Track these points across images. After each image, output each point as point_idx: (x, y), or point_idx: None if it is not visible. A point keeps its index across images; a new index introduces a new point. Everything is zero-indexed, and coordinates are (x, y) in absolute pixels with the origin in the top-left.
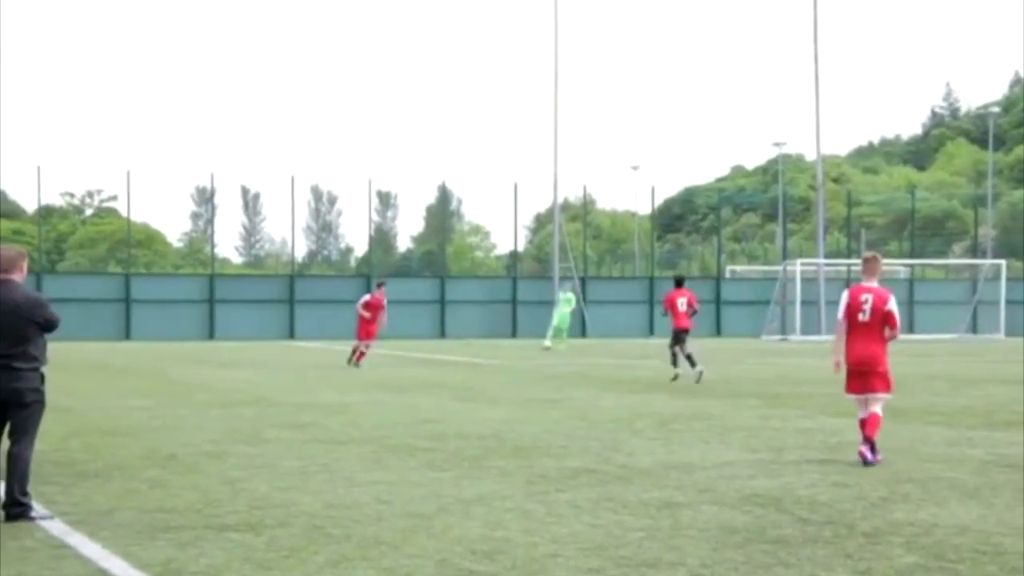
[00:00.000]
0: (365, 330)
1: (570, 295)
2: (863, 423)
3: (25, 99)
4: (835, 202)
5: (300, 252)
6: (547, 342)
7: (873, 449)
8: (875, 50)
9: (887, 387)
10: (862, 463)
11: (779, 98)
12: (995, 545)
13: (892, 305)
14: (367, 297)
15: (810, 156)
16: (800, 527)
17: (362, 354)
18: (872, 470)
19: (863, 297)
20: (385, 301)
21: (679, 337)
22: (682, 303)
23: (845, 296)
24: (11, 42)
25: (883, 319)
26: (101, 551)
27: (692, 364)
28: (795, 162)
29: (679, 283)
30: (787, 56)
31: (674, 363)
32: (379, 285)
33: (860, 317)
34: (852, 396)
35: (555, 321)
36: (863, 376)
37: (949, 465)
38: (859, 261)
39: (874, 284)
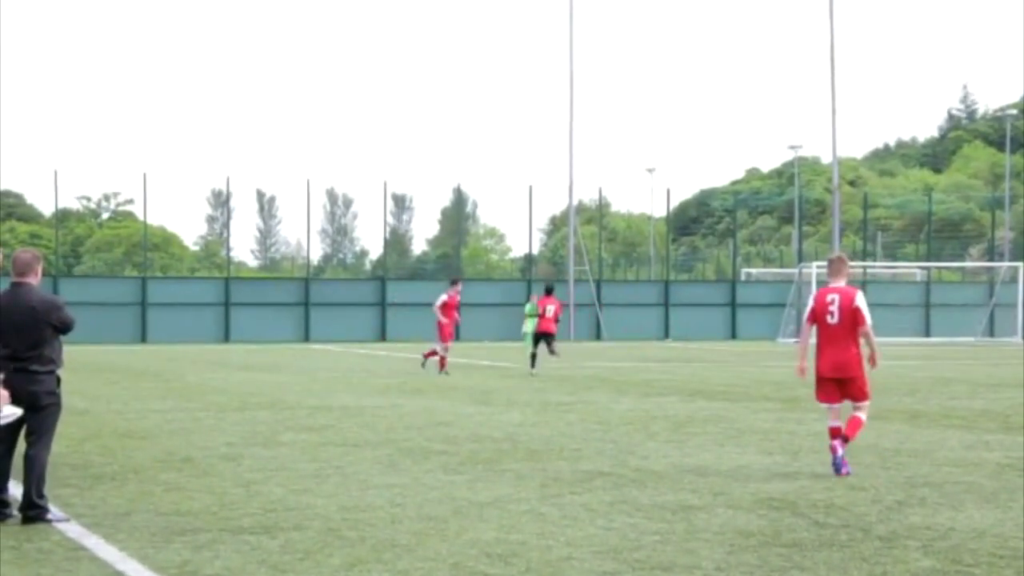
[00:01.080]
0: (446, 331)
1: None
2: (834, 429)
3: (42, 104)
4: (851, 205)
5: (315, 255)
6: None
7: (845, 440)
8: (892, 52)
9: (866, 395)
10: (834, 465)
11: (795, 100)
12: (1012, 549)
13: (860, 301)
14: (444, 297)
15: (826, 159)
16: (815, 531)
17: (444, 359)
18: (889, 473)
19: (829, 298)
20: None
21: (544, 338)
22: (550, 309)
23: (811, 300)
24: (29, 47)
25: (853, 318)
26: (117, 553)
27: (552, 352)
28: (811, 165)
29: (549, 291)
30: (803, 58)
31: (533, 362)
32: (454, 283)
33: (828, 320)
34: (825, 404)
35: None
36: (840, 384)
37: (966, 469)
38: (877, 264)
39: (841, 284)
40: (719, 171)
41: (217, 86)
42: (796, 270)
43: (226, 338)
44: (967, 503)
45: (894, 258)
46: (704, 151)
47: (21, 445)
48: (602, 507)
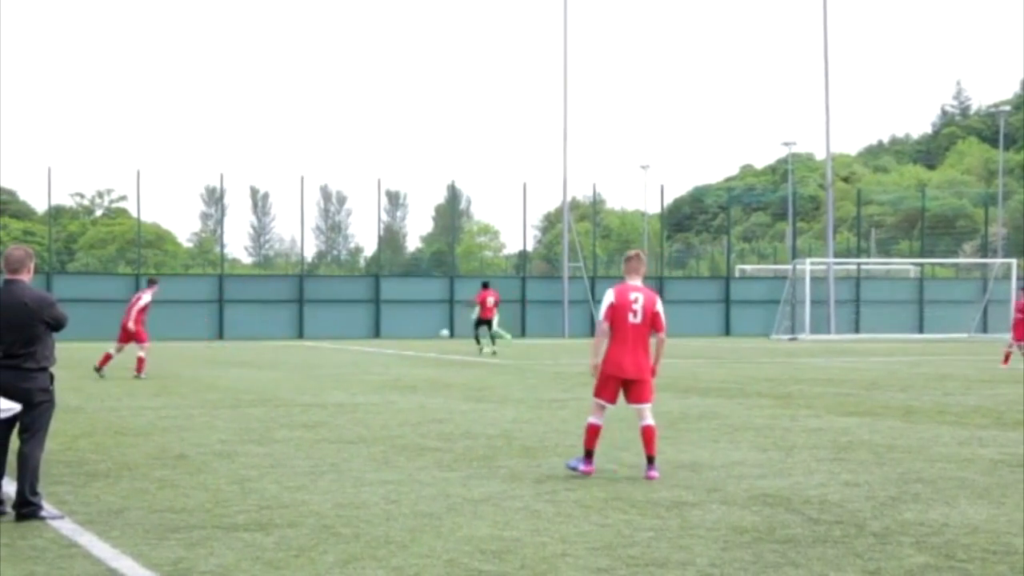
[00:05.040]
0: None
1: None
2: (598, 428)
3: (35, 100)
4: (845, 201)
5: (309, 252)
6: (493, 348)
7: (652, 460)
8: (885, 49)
9: (652, 395)
10: (572, 466)
11: (789, 97)
12: (1005, 545)
13: (660, 307)
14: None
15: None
16: (810, 527)
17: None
18: (883, 469)
19: (632, 296)
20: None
21: (486, 323)
22: (491, 300)
23: (610, 296)
24: (21, 44)
25: (653, 321)
26: (111, 550)
27: (492, 341)
28: (805, 161)
29: (486, 285)
30: (797, 55)
31: (478, 342)
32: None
33: (631, 319)
34: (603, 402)
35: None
36: (630, 384)
37: (960, 465)
38: (870, 260)
39: (639, 283)
40: (713, 168)
41: (211, 83)
42: (790, 266)
43: (220, 335)
44: (961, 499)
45: (888, 254)
46: (698, 147)
47: (15, 442)
48: (596, 503)
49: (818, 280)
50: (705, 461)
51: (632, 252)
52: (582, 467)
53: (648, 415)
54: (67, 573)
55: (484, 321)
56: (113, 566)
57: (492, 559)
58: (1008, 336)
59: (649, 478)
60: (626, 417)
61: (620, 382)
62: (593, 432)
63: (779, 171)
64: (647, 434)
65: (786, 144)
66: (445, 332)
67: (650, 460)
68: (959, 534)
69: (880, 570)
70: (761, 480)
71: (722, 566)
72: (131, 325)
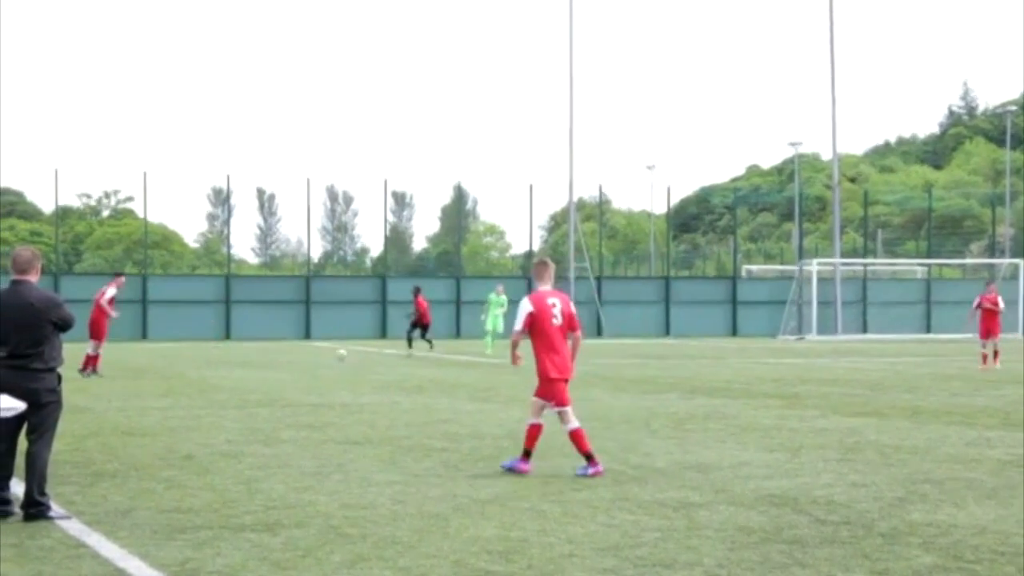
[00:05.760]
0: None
1: (502, 297)
2: (539, 427)
3: (42, 102)
4: (851, 201)
5: (316, 253)
6: (488, 349)
7: (590, 457)
8: (892, 49)
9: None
10: (585, 473)
11: (795, 97)
12: (1014, 546)
13: (574, 307)
14: (112, 291)
15: (826, 155)
16: (817, 527)
17: None
18: (890, 470)
19: (551, 301)
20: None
21: (425, 328)
22: (428, 306)
23: (528, 305)
24: (28, 45)
25: (570, 322)
26: (119, 551)
27: (431, 345)
28: (811, 161)
29: (419, 290)
30: (803, 55)
31: (410, 345)
32: (117, 275)
33: (554, 322)
34: (544, 403)
35: (488, 325)
36: (564, 385)
37: (967, 465)
38: (877, 261)
39: (551, 288)
40: (719, 168)
41: (217, 84)
42: (797, 267)
43: (227, 335)
44: (968, 500)
45: (894, 255)
46: (704, 148)
47: (22, 443)
48: (603, 504)
49: (825, 280)
50: (712, 462)
51: (541, 259)
52: (521, 467)
53: (572, 419)
54: (75, 573)
55: (427, 325)
56: (121, 566)
57: (499, 559)
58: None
59: (596, 474)
60: (633, 417)
61: (560, 382)
62: (536, 432)
63: (785, 171)
64: (577, 435)
65: (792, 144)
66: (343, 352)
67: (589, 457)
68: (967, 535)
69: (888, 571)
70: (768, 480)
71: (729, 567)
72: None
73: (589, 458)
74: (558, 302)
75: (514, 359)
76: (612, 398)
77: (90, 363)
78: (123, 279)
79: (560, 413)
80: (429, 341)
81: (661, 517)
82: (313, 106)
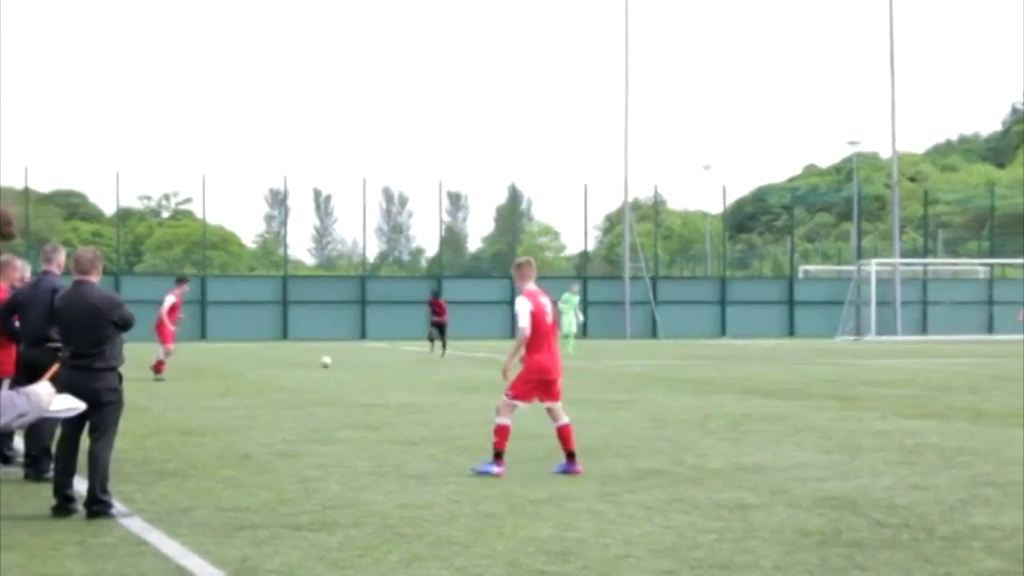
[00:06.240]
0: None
1: (576, 297)
2: (508, 428)
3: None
4: (911, 201)
5: (371, 253)
6: (571, 350)
7: (572, 456)
8: (953, 45)
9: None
10: (564, 471)
11: (854, 95)
12: None
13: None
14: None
15: (885, 154)
16: (876, 530)
17: None
18: (951, 472)
19: (543, 300)
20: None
21: (441, 329)
22: (445, 307)
23: (526, 303)
24: (92, 50)
25: (556, 320)
26: (179, 548)
27: (444, 347)
28: (870, 160)
29: (437, 294)
30: (862, 52)
31: (432, 342)
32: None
33: (547, 321)
34: (521, 403)
35: (565, 327)
36: (554, 384)
37: None
38: (937, 261)
39: (535, 287)
40: (776, 167)
41: (276, 87)
42: (855, 267)
43: (284, 336)
44: None
45: (956, 255)
46: (761, 147)
47: (85, 442)
48: (659, 505)
49: (884, 281)
50: (768, 463)
51: (523, 259)
52: (495, 469)
53: (562, 415)
54: (136, 570)
55: (443, 326)
56: (181, 563)
57: (555, 560)
58: None
59: (574, 472)
60: (688, 418)
61: (550, 383)
62: (506, 433)
63: (844, 171)
64: (565, 432)
65: (851, 143)
66: (327, 359)
67: (571, 456)
68: None
69: (950, 575)
70: (826, 482)
71: (787, 569)
72: (169, 326)
73: (571, 456)
74: (547, 301)
75: (506, 370)
76: (667, 399)
77: (159, 366)
78: (186, 286)
79: (550, 409)
80: (444, 345)
81: (717, 519)
82: (369, 107)
